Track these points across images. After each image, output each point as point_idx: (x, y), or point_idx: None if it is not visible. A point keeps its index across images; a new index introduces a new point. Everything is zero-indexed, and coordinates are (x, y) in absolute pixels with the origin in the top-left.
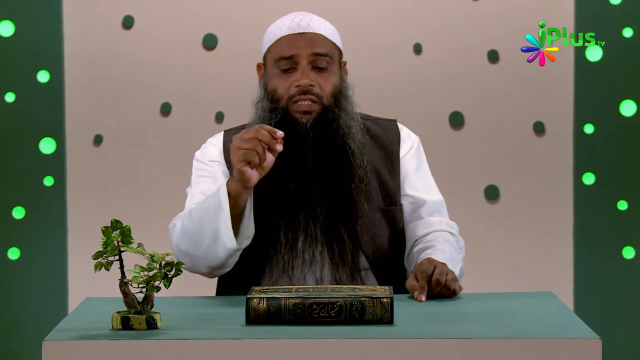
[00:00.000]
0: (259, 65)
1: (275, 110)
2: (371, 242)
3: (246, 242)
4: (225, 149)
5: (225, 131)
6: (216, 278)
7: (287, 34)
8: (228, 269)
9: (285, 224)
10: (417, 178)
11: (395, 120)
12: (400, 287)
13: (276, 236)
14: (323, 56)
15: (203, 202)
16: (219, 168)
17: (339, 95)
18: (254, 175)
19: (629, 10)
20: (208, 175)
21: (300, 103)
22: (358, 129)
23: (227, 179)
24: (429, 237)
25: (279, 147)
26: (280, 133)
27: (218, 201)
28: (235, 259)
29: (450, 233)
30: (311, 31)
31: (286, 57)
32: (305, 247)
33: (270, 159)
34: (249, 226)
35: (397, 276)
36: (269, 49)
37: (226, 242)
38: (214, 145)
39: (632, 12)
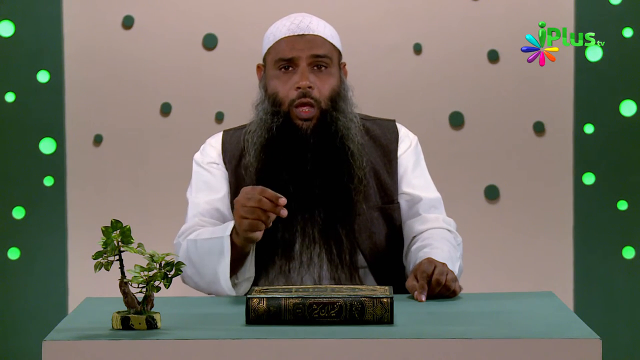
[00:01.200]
0: (258, 67)
1: (277, 114)
2: (369, 240)
3: (246, 286)
4: (224, 150)
5: (224, 131)
6: None
7: (286, 35)
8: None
9: (283, 226)
10: (414, 176)
11: (394, 121)
12: (398, 285)
13: (274, 239)
14: (322, 58)
15: (208, 240)
16: (218, 171)
17: (337, 98)
18: (259, 236)
19: (629, 10)
20: (208, 180)
21: (301, 109)
22: (357, 130)
23: (232, 224)
24: (426, 234)
25: (284, 213)
26: (283, 200)
27: (221, 248)
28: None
29: (448, 230)
30: (311, 33)
31: (286, 59)
32: (302, 250)
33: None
34: (249, 269)
35: (395, 274)
36: (268, 50)
37: (225, 288)
38: (212, 147)
39: (632, 12)
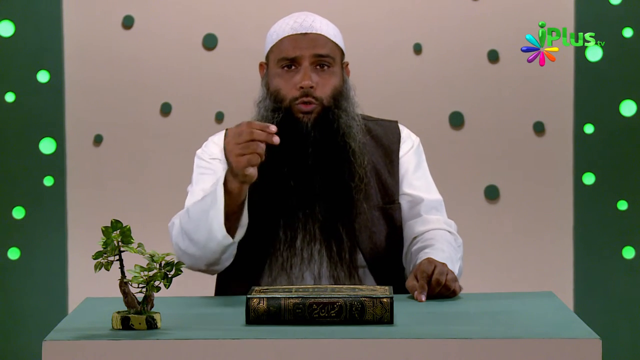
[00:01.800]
0: (261, 65)
1: (278, 110)
2: (369, 240)
3: (241, 233)
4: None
5: (227, 130)
6: (215, 276)
7: (289, 34)
8: (226, 265)
9: (285, 222)
10: (416, 177)
11: (396, 121)
12: (397, 285)
13: (275, 234)
14: (325, 57)
15: (200, 200)
16: (220, 165)
17: (339, 97)
18: (256, 172)
19: (629, 10)
20: (209, 172)
21: (302, 105)
22: (359, 129)
23: (224, 173)
24: (426, 235)
25: (277, 140)
26: (273, 127)
27: (214, 198)
28: (231, 255)
29: (449, 231)
30: (314, 32)
31: (289, 58)
32: (303, 245)
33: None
34: (244, 216)
35: (395, 274)
36: (271, 48)
37: (220, 237)
38: (215, 144)
39: (632, 12)
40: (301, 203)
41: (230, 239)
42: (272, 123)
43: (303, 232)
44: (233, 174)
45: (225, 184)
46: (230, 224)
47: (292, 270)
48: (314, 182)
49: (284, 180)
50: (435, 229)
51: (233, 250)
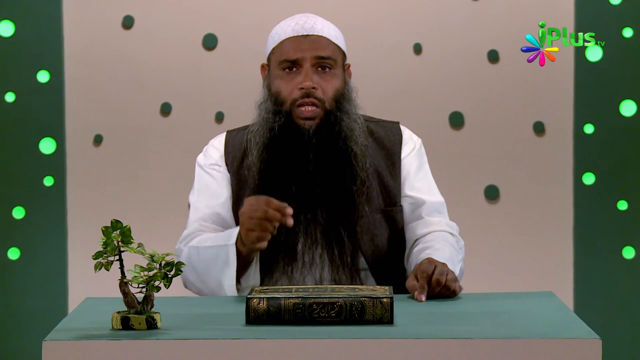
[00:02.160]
0: (262, 66)
1: (278, 113)
2: (370, 242)
3: (250, 284)
4: (227, 151)
5: (227, 132)
6: None
7: (291, 35)
8: None
9: (286, 227)
10: (417, 179)
11: (398, 123)
12: (399, 288)
13: (277, 238)
14: (326, 59)
15: (212, 248)
16: (219, 174)
17: (341, 98)
18: (265, 245)
19: (629, 10)
20: (210, 183)
21: (303, 108)
22: (361, 132)
23: (236, 232)
24: (428, 237)
25: (290, 223)
26: (289, 210)
27: (226, 257)
28: None
29: (450, 233)
30: (315, 33)
31: (290, 59)
32: (305, 250)
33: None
34: (254, 277)
35: (396, 277)
36: (272, 50)
37: (228, 293)
38: (215, 148)
39: (632, 12)
40: (302, 208)
41: (236, 292)
42: (273, 126)
43: (304, 237)
44: (243, 241)
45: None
46: (239, 277)
47: (293, 274)
48: (316, 187)
49: (285, 186)
50: (437, 230)
51: None
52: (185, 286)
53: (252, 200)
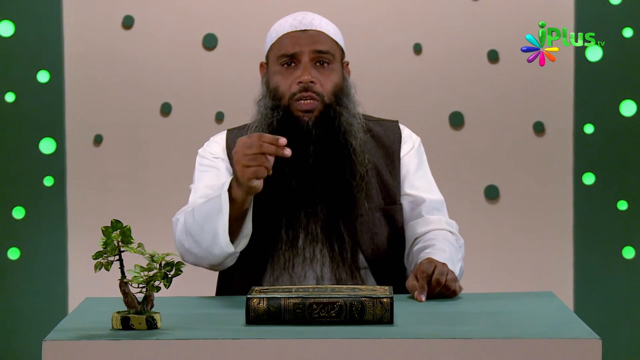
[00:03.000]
0: (261, 65)
1: (277, 108)
2: (370, 241)
3: (244, 242)
4: (228, 147)
5: (228, 130)
6: (217, 275)
7: (289, 31)
8: (229, 265)
9: (286, 221)
10: (417, 177)
11: (397, 121)
12: (399, 286)
13: (277, 234)
14: (325, 53)
15: (205, 203)
16: (222, 164)
17: (340, 93)
18: (261, 184)
19: (629, 10)
20: (211, 169)
21: (301, 102)
22: (360, 127)
23: (230, 179)
24: (428, 235)
25: (288, 153)
26: (283, 140)
27: (219, 206)
28: (234, 259)
29: (450, 232)
30: (313, 29)
31: (288, 54)
32: (305, 245)
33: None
34: (247, 226)
35: (396, 275)
36: (271, 46)
37: (223, 245)
38: (216, 143)
39: (632, 12)
40: (303, 202)
41: (232, 248)
42: (271, 122)
43: (305, 232)
44: (238, 184)
45: (229, 190)
46: (233, 230)
47: (294, 270)
48: (316, 182)
49: (286, 180)
50: (437, 229)
51: (235, 258)
52: (182, 258)
53: (243, 138)
